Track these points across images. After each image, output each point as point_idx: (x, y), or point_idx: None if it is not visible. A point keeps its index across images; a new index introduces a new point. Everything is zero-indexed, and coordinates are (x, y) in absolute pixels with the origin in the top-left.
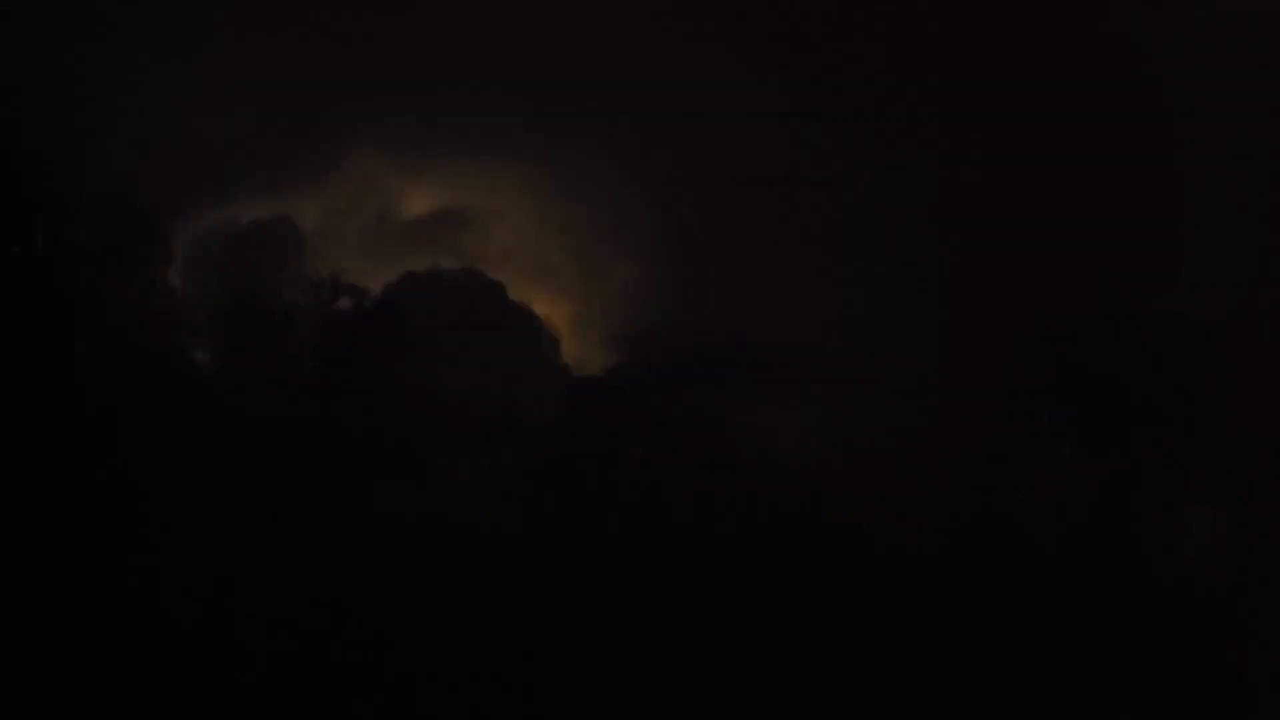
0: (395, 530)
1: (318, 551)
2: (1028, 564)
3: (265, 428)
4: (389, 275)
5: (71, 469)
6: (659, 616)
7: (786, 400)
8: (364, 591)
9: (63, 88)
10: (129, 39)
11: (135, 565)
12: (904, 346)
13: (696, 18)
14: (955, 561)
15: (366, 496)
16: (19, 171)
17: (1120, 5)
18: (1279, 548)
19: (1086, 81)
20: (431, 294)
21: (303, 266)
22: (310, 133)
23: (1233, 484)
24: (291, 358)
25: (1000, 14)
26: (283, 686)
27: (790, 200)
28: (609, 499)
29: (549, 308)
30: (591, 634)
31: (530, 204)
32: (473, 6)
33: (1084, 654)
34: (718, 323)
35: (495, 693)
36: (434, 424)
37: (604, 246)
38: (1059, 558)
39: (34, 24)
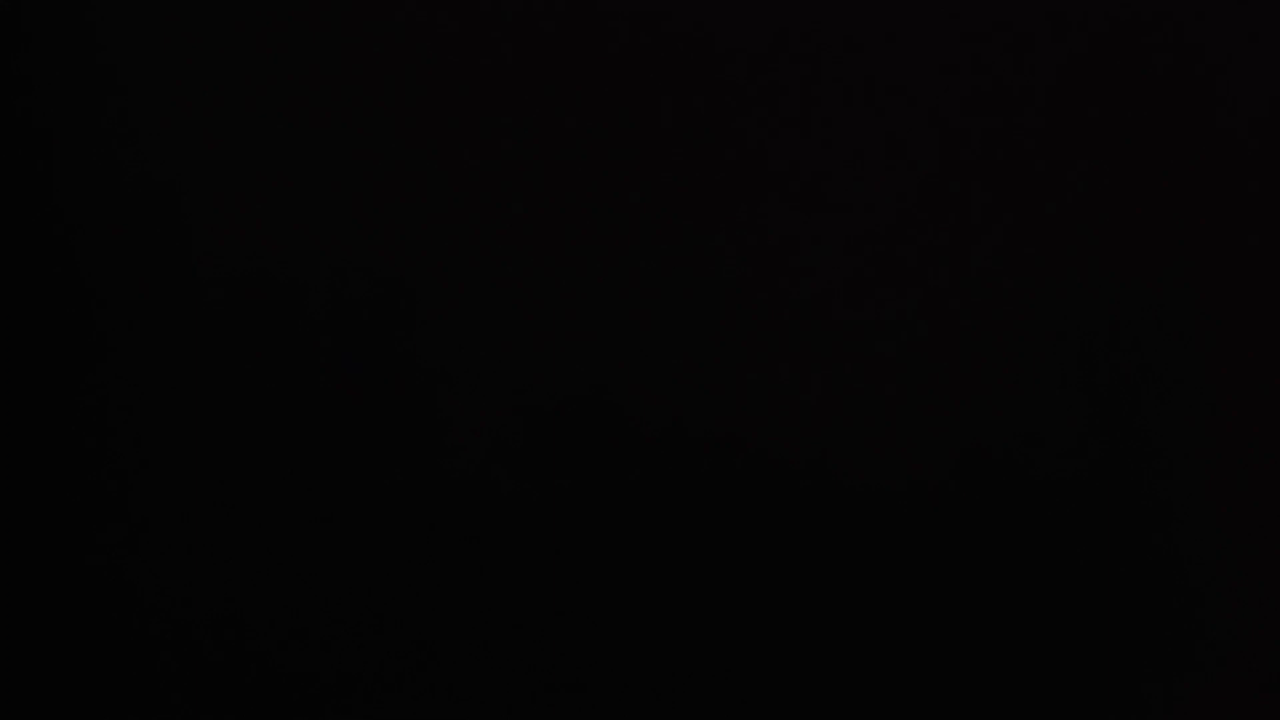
0: (408, 509)
1: (330, 533)
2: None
3: (276, 411)
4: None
5: (83, 449)
6: (666, 580)
7: (801, 375)
8: (375, 575)
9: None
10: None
11: (143, 551)
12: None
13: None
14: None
15: (378, 475)
16: (31, 152)
17: None
18: None
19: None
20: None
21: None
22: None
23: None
24: (304, 341)
25: None
26: (290, 679)
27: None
28: (620, 477)
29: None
30: (606, 605)
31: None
32: None
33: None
34: (732, 300)
35: (507, 670)
36: (447, 402)
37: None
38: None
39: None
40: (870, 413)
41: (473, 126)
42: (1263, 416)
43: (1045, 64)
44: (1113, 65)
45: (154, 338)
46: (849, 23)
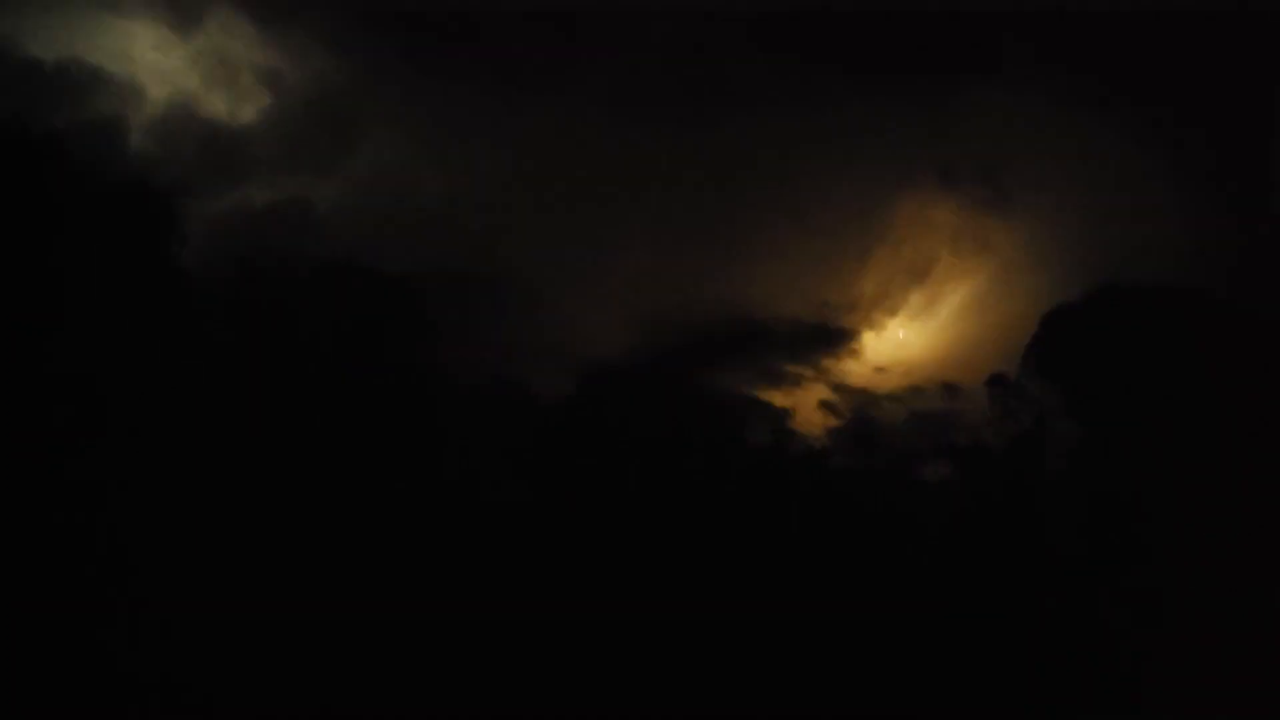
0: (411, 509)
1: (332, 534)
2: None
3: (279, 411)
4: (404, 258)
5: (81, 453)
6: (670, 590)
7: (798, 379)
8: (378, 573)
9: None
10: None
11: (140, 554)
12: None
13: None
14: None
15: (381, 477)
16: (35, 154)
17: None
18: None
19: None
20: (446, 276)
21: (318, 248)
22: (327, 115)
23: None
24: (306, 340)
25: None
26: (295, 672)
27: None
28: (621, 478)
29: (563, 289)
30: (603, 608)
31: (544, 188)
32: None
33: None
34: (731, 302)
35: (508, 671)
36: (448, 404)
37: (617, 228)
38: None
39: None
40: None
41: (482, 117)
42: None
43: None
44: None
45: (149, 337)
46: None
